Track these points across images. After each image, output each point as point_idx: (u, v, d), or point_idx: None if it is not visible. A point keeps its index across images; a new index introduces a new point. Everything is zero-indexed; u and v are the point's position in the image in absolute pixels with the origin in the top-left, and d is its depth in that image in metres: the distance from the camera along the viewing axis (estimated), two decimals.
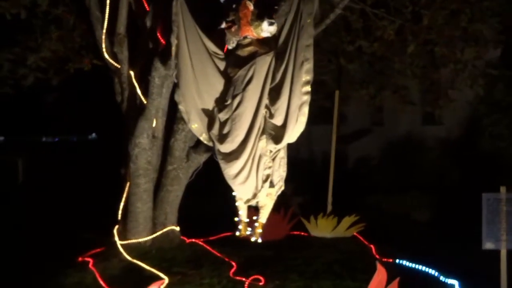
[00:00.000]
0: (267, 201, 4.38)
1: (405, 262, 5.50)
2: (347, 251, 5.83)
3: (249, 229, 4.49)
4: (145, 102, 5.13)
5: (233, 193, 4.36)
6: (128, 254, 5.04)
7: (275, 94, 4.18)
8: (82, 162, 10.50)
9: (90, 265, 4.76)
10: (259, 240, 4.43)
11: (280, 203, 7.46)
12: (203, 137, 4.24)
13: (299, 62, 4.17)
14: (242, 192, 4.27)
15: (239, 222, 4.43)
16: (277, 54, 4.17)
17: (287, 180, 9.01)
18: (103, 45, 5.41)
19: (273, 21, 4.10)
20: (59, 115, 13.48)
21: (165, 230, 5.46)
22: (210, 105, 4.17)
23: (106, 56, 5.43)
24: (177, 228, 5.69)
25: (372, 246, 6.13)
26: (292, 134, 4.22)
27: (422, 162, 11.52)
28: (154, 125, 5.19)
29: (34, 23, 6.47)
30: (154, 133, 5.25)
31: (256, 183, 4.20)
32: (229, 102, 4.07)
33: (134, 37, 5.54)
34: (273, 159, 4.30)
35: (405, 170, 11.48)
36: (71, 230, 6.36)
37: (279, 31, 4.23)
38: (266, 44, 4.18)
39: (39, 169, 10.49)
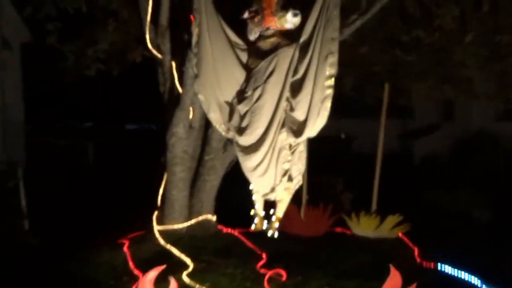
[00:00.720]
0: (284, 195, 4.32)
1: (447, 268, 5.17)
2: (385, 253, 5.60)
3: (265, 222, 4.45)
4: (181, 92, 5.25)
5: (250, 186, 4.34)
6: (163, 239, 5.21)
7: (297, 87, 4.09)
8: (145, 149, 11.02)
9: (125, 247, 5.00)
10: (276, 235, 4.38)
11: (328, 197, 7.41)
12: (222, 128, 4.26)
13: (324, 55, 4.05)
14: (260, 185, 4.25)
15: (255, 215, 4.41)
16: (301, 47, 4.06)
17: (338, 175, 8.87)
18: (148, 37, 5.59)
19: (297, 12, 4.00)
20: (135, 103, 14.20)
21: (200, 218, 5.58)
22: (230, 96, 4.15)
23: (150, 47, 5.62)
24: (213, 218, 5.79)
25: (415, 248, 5.83)
26: (314, 128, 4.14)
27: (493, 160, 10.68)
28: (191, 115, 5.30)
29: (94, 16, 6.85)
30: (192, 123, 5.37)
31: (275, 177, 4.16)
32: (249, 93, 4.03)
33: (178, 29, 5.67)
34: (293, 153, 4.23)
35: (474, 168, 10.73)
36: (125, 212, 6.70)
37: (303, 23, 4.11)
38: (289, 36, 4.09)
39: (108, 154, 11.16)
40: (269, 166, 4.13)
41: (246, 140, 4.08)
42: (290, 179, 4.25)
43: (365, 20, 5.72)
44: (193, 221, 5.54)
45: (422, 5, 6.65)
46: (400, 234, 6.32)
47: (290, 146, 4.21)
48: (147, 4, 5.69)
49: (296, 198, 6.46)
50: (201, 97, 4.21)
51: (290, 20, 4.03)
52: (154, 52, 5.65)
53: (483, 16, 6.15)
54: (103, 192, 8.23)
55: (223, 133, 4.33)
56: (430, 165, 12.37)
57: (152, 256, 4.85)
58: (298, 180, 4.33)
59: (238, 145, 4.13)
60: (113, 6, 6.74)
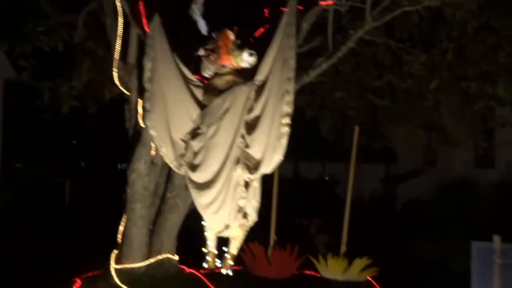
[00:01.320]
0: (239, 232, 4.24)
1: None
2: None
3: (218, 261, 4.33)
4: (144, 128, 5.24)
5: (203, 223, 4.26)
6: (120, 278, 5.06)
7: (253, 125, 4.12)
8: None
9: (75, 286, 4.83)
10: (230, 273, 4.26)
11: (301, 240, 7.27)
12: (173, 164, 4.23)
13: (280, 94, 4.11)
14: (213, 223, 4.17)
15: (208, 253, 4.30)
16: (257, 86, 4.12)
17: (314, 217, 8.74)
18: (115, 74, 5.65)
19: (253, 52, 4.10)
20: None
21: (160, 257, 5.43)
22: (182, 132, 4.16)
23: (118, 84, 5.67)
24: (175, 257, 5.63)
25: None
26: (270, 164, 4.14)
27: (474, 207, 10.64)
28: (154, 152, 5.27)
29: (69, 55, 6.97)
30: (153, 160, 5.31)
31: (229, 214, 4.10)
32: (203, 130, 4.04)
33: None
34: (247, 190, 4.19)
35: (456, 215, 10.68)
36: (93, 250, 6.52)
37: (258, 62, 4.19)
38: (244, 74, 4.17)
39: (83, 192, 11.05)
40: (223, 203, 4.09)
41: (200, 176, 4.05)
42: (245, 216, 4.20)
43: (331, 63, 5.86)
44: (152, 260, 5.38)
45: (392, 51, 6.83)
46: (369, 278, 6.20)
47: (245, 183, 4.18)
48: (116, 43, 5.81)
49: (264, 239, 6.43)
50: (152, 132, 4.20)
51: (246, 59, 4.13)
52: (122, 89, 5.70)
53: (450, 63, 6.30)
54: (73, 230, 8.10)
55: (175, 170, 4.30)
56: (411, 211, 12.32)
57: None
58: (253, 217, 4.28)
59: (191, 182, 4.10)
60: (89, 44, 6.88)
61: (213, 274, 5.81)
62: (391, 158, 14.59)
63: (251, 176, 4.13)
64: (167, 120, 4.16)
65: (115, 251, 5.44)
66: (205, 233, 4.31)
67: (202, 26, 4.22)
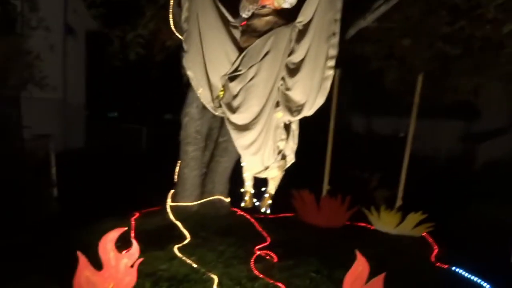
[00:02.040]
0: (277, 173, 4.27)
1: (460, 271, 4.83)
2: (399, 250, 5.35)
3: (255, 200, 4.44)
4: None
5: (242, 164, 4.34)
6: (174, 215, 5.39)
7: (295, 67, 4.02)
8: None
9: (132, 218, 5.24)
10: (268, 211, 4.35)
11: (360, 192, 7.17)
12: (210, 106, 4.25)
13: (325, 37, 3.94)
14: (253, 164, 4.22)
15: (245, 193, 4.39)
16: (300, 28, 3.98)
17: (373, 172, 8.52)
18: (171, 20, 5.76)
19: None
20: None
21: (211, 198, 5.69)
22: (220, 73, 4.12)
23: (174, 30, 5.79)
24: (227, 199, 5.87)
25: (435, 249, 5.51)
26: (313, 107, 4.05)
27: None
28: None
29: (134, 2, 7.21)
30: None
31: (269, 155, 4.13)
32: (243, 71, 4.00)
33: None
34: (287, 131, 4.18)
35: None
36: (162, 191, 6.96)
37: (299, 3, 4.02)
38: (285, 15, 4.03)
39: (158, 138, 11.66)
40: (263, 145, 4.10)
41: (240, 118, 4.07)
42: (283, 157, 4.22)
43: (390, 6, 5.49)
44: (203, 200, 5.66)
45: None
46: (424, 234, 6.01)
47: (285, 125, 4.17)
48: None
49: (317, 188, 6.44)
50: (190, 73, 4.19)
51: (288, 0, 4.00)
52: (178, 35, 5.82)
53: None
54: (146, 173, 8.60)
55: (212, 111, 4.34)
56: (490, 172, 11.52)
57: (156, 229, 5.06)
58: (290, 159, 4.29)
59: (231, 123, 4.13)
60: None
61: (263, 218, 6.03)
62: (473, 114, 13.56)
63: (292, 118, 4.10)
64: (204, 61, 4.13)
65: (172, 190, 5.80)
66: (244, 174, 4.40)
67: None
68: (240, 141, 4.14)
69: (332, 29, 3.97)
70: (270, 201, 4.32)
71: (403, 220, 6.03)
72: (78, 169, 8.25)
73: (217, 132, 5.84)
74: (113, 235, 3.14)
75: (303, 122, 4.35)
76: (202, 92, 4.19)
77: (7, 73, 7.96)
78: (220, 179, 5.75)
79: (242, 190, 4.44)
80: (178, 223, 5.14)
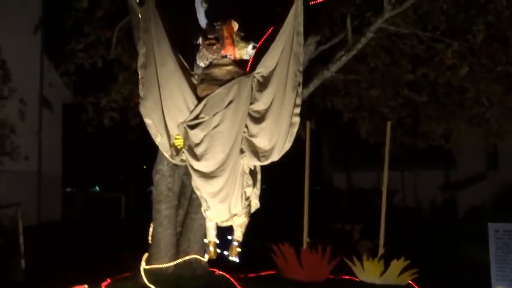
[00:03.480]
0: (244, 220, 4.19)
1: None
2: None
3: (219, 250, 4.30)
4: None
5: (206, 213, 4.22)
6: (149, 278, 5.15)
7: (259, 115, 4.07)
8: None
9: (103, 285, 4.99)
10: (237, 260, 4.20)
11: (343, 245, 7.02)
12: (168, 154, 4.21)
13: (291, 86, 4.06)
14: (220, 212, 4.14)
15: (209, 243, 4.25)
16: (261, 78, 4.09)
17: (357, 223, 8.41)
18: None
19: (256, 45, 4.11)
20: None
21: (187, 258, 5.48)
22: (178, 120, 4.12)
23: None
24: (204, 258, 5.64)
25: None
26: (281, 152, 4.09)
27: None
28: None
29: (107, 70, 7.39)
30: None
31: (236, 202, 4.08)
32: (205, 119, 4.02)
33: None
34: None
35: None
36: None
37: (258, 55, 4.17)
38: (242, 65, 4.17)
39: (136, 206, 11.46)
40: (229, 191, 4.06)
41: (205, 165, 4.02)
42: (249, 204, 4.19)
43: (351, 56, 5.73)
44: (179, 261, 5.45)
45: (422, 42, 6.55)
46: (410, 282, 5.84)
47: (250, 171, 4.15)
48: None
49: (297, 241, 6.29)
50: (147, 120, 4.13)
51: (249, 52, 4.14)
52: None
53: (484, 47, 5.93)
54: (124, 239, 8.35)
55: (170, 159, 4.29)
56: (472, 219, 11.51)
57: None
58: (255, 204, 4.25)
59: (196, 171, 4.07)
60: (124, 59, 7.24)
61: (244, 278, 5.81)
62: (450, 162, 13.76)
63: (259, 163, 4.10)
64: (162, 108, 4.12)
65: (147, 253, 5.58)
66: (207, 223, 4.29)
67: (202, 18, 4.26)
68: (207, 189, 4.07)
69: (297, 79, 4.10)
70: (239, 249, 4.19)
71: (387, 268, 5.88)
72: (52, 240, 7.97)
73: (190, 189, 5.73)
74: None
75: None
76: (160, 140, 4.17)
77: None
78: (196, 237, 5.56)
79: (205, 240, 4.31)
80: (152, 287, 4.90)
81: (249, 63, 4.40)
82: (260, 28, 4.57)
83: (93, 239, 8.61)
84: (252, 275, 6.08)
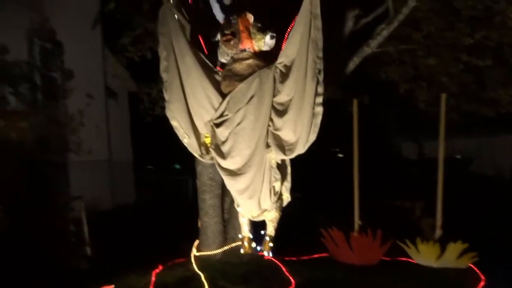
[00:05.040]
0: (275, 214, 4.14)
1: None
2: (441, 284, 4.92)
3: (254, 245, 4.28)
4: None
5: (238, 209, 4.23)
6: (197, 265, 5.34)
7: (283, 108, 3.97)
8: None
9: (155, 271, 5.24)
10: (270, 254, 4.19)
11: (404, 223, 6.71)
12: (198, 154, 4.24)
13: (311, 75, 3.88)
14: (250, 207, 4.13)
15: (243, 238, 4.26)
16: (283, 68, 3.95)
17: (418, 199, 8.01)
18: None
19: (274, 34, 3.96)
20: None
21: (234, 245, 5.58)
22: (204, 119, 4.13)
23: None
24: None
25: (482, 281, 5.00)
26: (306, 145, 3.96)
27: None
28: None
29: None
30: None
31: (265, 197, 4.03)
32: (229, 116, 3.99)
33: None
34: (280, 171, 4.07)
35: None
36: None
37: (278, 44, 4.00)
38: (264, 57, 4.02)
39: None
40: (257, 187, 4.03)
41: (231, 163, 4.03)
42: (279, 197, 4.11)
43: (392, 29, 5.31)
44: (226, 248, 5.57)
45: (480, 2, 5.91)
46: (471, 265, 5.48)
47: (278, 165, 4.07)
48: None
49: (350, 223, 6.13)
50: (174, 123, 4.22)
51: (268, 43, 4.02)
52: None
53: None
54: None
55: (200, 159, 4.32)
56: None
57: (176, 281, 5.01)
58: (286, 197, 4.17)
59: (223, 169, 4.09)
60: None
61: (295, 261, 5.81)
62: None
63: (286, 157, 4.01)
64: (187, 109, 4.16)
65: (197, 240, 5.77)
66: (240, 219, 4.30)
67: (218, 13, 4.18)
68: (235, 186, 4.09)
69: (317, 66, 3.91)
70: (271, 244, 4.18)
71: (444, 251, 5.56)
72: (122, 226, 8.48)
73: None
74: None
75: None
76: (188, 141, 4.23)
77: (52, 140, 8.56)
78: None
79: (239, 235, 4.33)
80: (200, 274, 5.07)
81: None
82: (280, 16, 4.39)
83: (158, 223, 9.03)
84: (305, 257, 6.07)
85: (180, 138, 4.24)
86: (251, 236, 4.32)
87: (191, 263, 5.43)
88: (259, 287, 4.75)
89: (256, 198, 4.07)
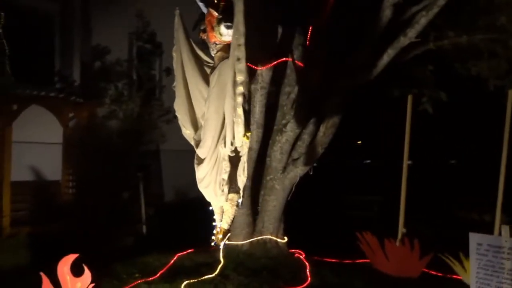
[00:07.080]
0: (228, 207, 4.13)
1: None
2: None
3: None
4: None
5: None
6: (224, 253, 5.53)
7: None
8: None
9: (181, 253, 5.55)
10: (221, 246, 4.19)
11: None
12: (193, 143, 4.43)
13: (231, 62, 3.84)
14: (208, 196, 4.27)
15: (215, 228, 4.31)
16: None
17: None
18: None
19: (229, 24, 3.93)
20: None
21: (260, 238, 5.63)
22: (199, 112, 4.34)
23: None
24: (282, 240, 5.72)
25: None
26: (234, 136, 3.92)
27: None
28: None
29: None
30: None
31: (215, 187, 4.10)
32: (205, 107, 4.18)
33: None
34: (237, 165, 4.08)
35: None
36: None
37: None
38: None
39: None
40: (212, 177, 4.17)
41: (201, 152, 4.24)
42: (235, 190, 4.13)
43: (431, 16, 4.73)
44: (252, 240, 5.64)
45: None
46: None
47: (235, 158, 4.11)
48: None
49: (395, 231, 5.63)
50: (178, 115, 4.56)
51: (225, 33, 4.03)
52: None
53: None
54: None
55: (195, 148, 4.48)
56: None
57: (192, 265, 5.23)
58: (243, 191, 4.18)
59: (196, 157, 4.31)
60: None
61: (326, 263, 5.60)
62: None
63: (224, 150, 4.04)
64: (186, 102, 4.43)
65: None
66: (214, 208, 4.41)
67: (202, 7, 4.32)
68: (197, 174, 4.29)
69: (236, 54, 3.80)
70: (220, 236, 4.20)
71: None
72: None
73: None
74: (68, 260, 3.53)
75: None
76: (185, 132, 4.48)
77: (149, 132, 9.55)
78: (270, 218, 5.65)
79: (214, 224, 4.44)
80: (221, 261, 5.24)
81: None
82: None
83: None
84: (347, 261, 5.80)
85: (182, 130, 4.60)
86: (223, 227, 4.39)
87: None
88: (266, 281, 4.73)
89: (211, 188, 4.20)
